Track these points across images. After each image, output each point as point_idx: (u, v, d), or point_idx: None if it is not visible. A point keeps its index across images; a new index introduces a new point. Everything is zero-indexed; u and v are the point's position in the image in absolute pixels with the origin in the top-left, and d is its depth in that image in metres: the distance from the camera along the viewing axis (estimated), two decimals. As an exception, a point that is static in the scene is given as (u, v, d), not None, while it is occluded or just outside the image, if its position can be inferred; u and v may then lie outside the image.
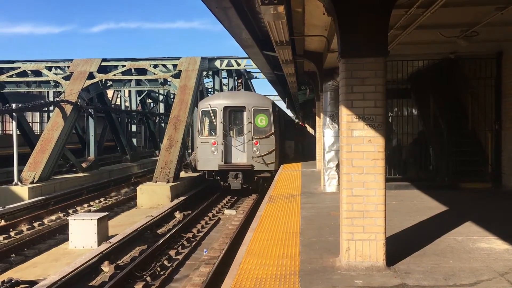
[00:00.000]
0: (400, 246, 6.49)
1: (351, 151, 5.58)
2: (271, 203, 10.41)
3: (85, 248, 11.75)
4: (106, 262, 10.52)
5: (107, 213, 12.78)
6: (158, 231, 14.25)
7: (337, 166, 11.76)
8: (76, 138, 30.36)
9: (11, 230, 14.30)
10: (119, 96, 38.88)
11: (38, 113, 46.05)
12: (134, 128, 31.52)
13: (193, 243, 12.91)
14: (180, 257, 11.55)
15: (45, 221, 15.92)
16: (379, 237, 5.55)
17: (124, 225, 14.70)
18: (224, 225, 15.28)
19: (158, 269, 10.40)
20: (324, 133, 11.84)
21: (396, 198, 10.52)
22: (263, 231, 7.72)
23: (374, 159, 5.55)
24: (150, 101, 43.44)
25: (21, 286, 8.53)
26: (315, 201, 10.60)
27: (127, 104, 34.40)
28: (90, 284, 9.60)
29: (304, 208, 9.68)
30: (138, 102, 33.33)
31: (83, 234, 11.82)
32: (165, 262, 10.97)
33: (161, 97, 38.74)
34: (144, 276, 9.82)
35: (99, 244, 11.73)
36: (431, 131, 12.80)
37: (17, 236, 13.76)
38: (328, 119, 11.73)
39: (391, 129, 14.32)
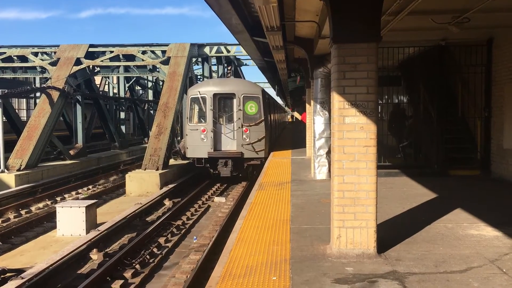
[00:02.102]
0: (391, 233, 6.48)
1: (342, 138, 5.52)
2: (261, 190, 10.37)
3: (73, 236, 11.64)
4: (94, 250, 10.44)
5: (95, 200, 12.65)
6: (147, 219, 14.16)
7: (327, 153, 11.74)
8: (64, 125, 29.99)
9: (-3, 217, 14.12)
10: (107, 83, 38.39)
11: (25, 99, 45.42)
12: (122, 115, 31.15)
13: (183, 231, 12.84)
14: (169, 244, 11.48)
15: (33, 208, 15.74)
16: (370, 224, 5.52)
17: (113, 212, 14.58)
18: (214, 213, 15.23)
19: (148, 256, 10.33)
20: (314, 120, 11.78)
21: (386, 185, 10.54)
22: (254, 218, 7.67)
23: (366, 146, 5.50)
24: (139, 88, 43.03)
25: (7, 274, 8.42)
26: (305, 188, 10.57)
27: (116, 91, 33.94)
28: (79, 272, 9.51)
29: (295, 195, 9.65)
30: (126, 89, 32.95)
31: (71, 222, 11.69)
32: (155, 250, 10.90)
33: (149, 84, 38.36)
34: (133, 264, 9.76)
35: (87, 232, 11.62)
36: (421, 118, 12.80)
37: (4, 224, 13.59)
38: (318, 106, 11.66)
39: (381, 117, 14.32)
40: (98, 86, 41.11)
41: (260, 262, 5.42)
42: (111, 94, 36.73)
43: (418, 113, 12.83)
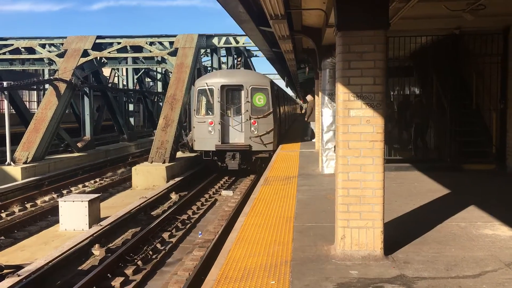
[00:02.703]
0: (399, 232, 6.12)
1: (347, 132, 5.16)
2: (266, 185, 10.04)
3: (76, 231, 11.44)
4: (96, 246, 10.22)
5: (98, 194, 12.43)
6: (152, 213, 13.95)
7: (335, 146, 11.35)
8: (74, 118, 29.89)
9: (2, 211, 13.98)
10: (116, 75, 38.25)
11: (35, 92, 45.52)
12: (131, 107, 30.94)
13: (188, 225, 12.60)
14: (173, 240, 11.24)
15: (38, 202, 15.61)
16: (377, 224, 5.17)
17: (117, 206, 14.38)
18: (221, 207, 14.97)
19: (150, 252, 10.09)
20: (322, 112, 11.40)
21: (396, 180, 10.14)
22: (256, 215, 7.36)
23: (372, 140, 5.14)
24: (149, 80, 42.83)
25: (5, 271, 8.22)
26: (312, 183, 10.22)
27: (125, 83, 33.74)
28: (80, 268, 9.31)
29: (300, 190, 9.31)
30: (135, 80, 32.74)
31: (73, 216, 11.50)
32: (158, 245, 10.66)
33: (159, 76, 38.12)
34: (135, 260, 9.52)
35: (90, 226, 11.41)
36: (434, 110, 12.34)
37: (8, 218, 13.46)
38: (326, 98, 11.27)
39: (392, 109, 13.89)
40: (108, 78, 41.03)
41: (259, 264, 5.10)
42: (120, 86, 36.61)
43: (431, 105, 12.37)
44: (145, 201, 13.92)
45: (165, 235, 11.40)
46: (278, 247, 5.69)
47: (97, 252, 10.05)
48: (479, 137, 11.84)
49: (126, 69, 31.13)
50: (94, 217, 11.78)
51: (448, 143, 11.57)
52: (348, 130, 5.16)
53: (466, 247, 5.60)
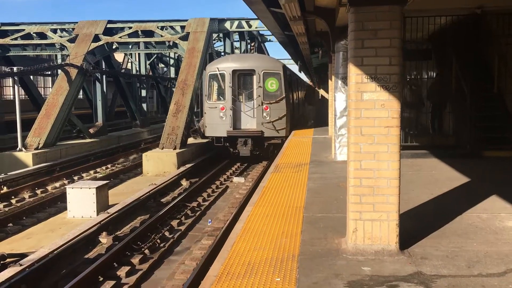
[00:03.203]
0: (416, 224, 5.74)
1: (360, 117, 4.76)
2: (277, 172, 9.69)
3: (84, 218, 11.27)
4: (104, 233, 10.03)
5: (107, 181, 12.22)
6: (162, 200, 13.73)
7: (349, 132, 10.94)
8: (87, 104, 29.81)
9: (12, 197, 13.90)
10: (130, 61, 38.00)
11: (50, 77, 45.58)
12: (144, 93, 30.70)
13: (198, 213, 12.37)
14: (182, 228, 11.01)
15: (49, 188, 15.52)
16: (392, 216, 4.79)
17: (128, 193, 14.19)
18: (232, 194, 14.70)
19: (158, 241, 9.86)
20: (336, 97, 10.96)
21: (413, 167, 9.70)
22: (264, 205, 7.02)
23: (388, 126, 4.73)
24: (163, 65, 42.51)
25: (7, 260, 8.05)
26: (324, 170, 9.84)
27: (142, 69, 33.44)
28: (86, 256, 9.12)
29: (312, 178, 8.94)
30: (147, 66, 32.45)
31: (81, 203, 11.32)
32: (166, 233, 10.43)
33: (172, 62, 37.80)
34: (143, 249, 9.30)
35: (98, 213, 11.22)
36: (453, 94, 11.80)
37: (18, 204, 13.37)
38: (339, 82, 10.82)
39: (410, 93, 13.35)
40: (121, 64, 40.86)
41: (265, 259, 4.78)
42: (134, 72, 36.40)
43: (450, 89, 11.82)
44: (155, 188, 13.70)
45: (174, 223, 11.17)
46: (286, 239, 5.36)
47: (104, 240, 9.86)
48: (500, 122, 11.28)
49: (138, 54, 30.83)
50: (102, 204, 11.59)
51: (468, 128, 11.04)
52: (361, 115, 4.76)
53: (489, 241, 5.20)
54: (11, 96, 39.05)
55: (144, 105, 30.72)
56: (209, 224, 11.39)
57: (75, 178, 17.22)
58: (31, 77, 40.28)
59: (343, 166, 10.48)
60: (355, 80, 4.76)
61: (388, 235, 4.80)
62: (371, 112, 4.74)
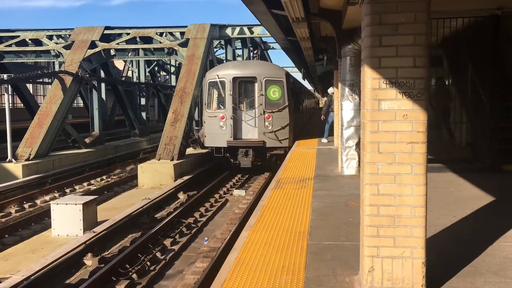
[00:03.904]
0: (441, 256, 4.83)
1: (377, 131, 3.88)
2: (278, 188, 8.80)
3: (69, 237, 10.41)
4: (89, 255, 9.16)
5: (95, 196, 11.35)
6: (156, 215, 12.86)
7: (357, 144, 10.05)
8: (86, 112, 28.99)
9: (-3, 212, 13.08)
10: (129, 68, 37.30)
11: (50, 86, 44.91)
12: (143, 101, 29.86)
13: (194, 230, 11.50)
14: (176, 247, 10.14)
15: (38, 201, 14.67)
16: (417, 253, 3.89)
17: (120, 208, 13.33)
18: (231, 208, 13.83)
19: (148, 263, 8.99)
20: (342, 106, 10.08)
21: (428, 184, 8.77)
22: (263, 229, 6.13)
23: (411, 142, 3.86)
24: (164, 73, 41.77)
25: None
26: (330, 186, 8.93)
27: (142, 76, 32.63)
28: (67, 281, 8.26)
29: (317, 196, 8.04)
30: (147, 73, 31.68)
31: (66, 220, 10.46)
32: (158, 254, 9.57)
33: (173, 69, 37.05)
34: (130, 273, 8.42)
35: (84, 231, 10.36)
36: (469, 103, 10.90)
37: (3, 220, 12.53)
38: (347, 89, 9.95)
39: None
40: (122, 71, 40.18)
41: (260, 304, 3.88)
42: (134, 80, 35.66)
43: (466, 98, 10.92)
44: (148, 202, 12.83)
45: (167, 242, 10.30)
46: (287, 277, 4.46)
47: (90, 262, 9.00)
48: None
49: (138, 61, 30.07)
50: (90, 222, 10.72)
51: (487, 140, 10.12)
52: (378, 128, 3.88)
53: (532, 280, 4.29)
54: (11, 105, 38.50)
55: (144, 114, 29.84)
56: (205, 243, 10.53)
57: (67, 190, 16.39)
58: (30, 85, 39.76)
59: (351, 182, 9.62)
60: (371, 86, 3.89)
61: (413, 276, 3.90)
62: (391, 124, 3.87)
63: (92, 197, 11.04)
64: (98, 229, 9.98)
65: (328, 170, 10.83)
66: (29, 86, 40.11)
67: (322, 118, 18.21)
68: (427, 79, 3.82)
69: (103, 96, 31.87)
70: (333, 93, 16.54)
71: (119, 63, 39.37)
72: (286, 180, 9.71)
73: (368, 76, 3.90)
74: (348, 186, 8.84)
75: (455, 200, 7.53)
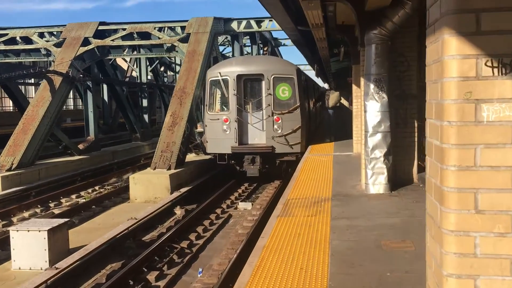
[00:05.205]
0: None
1: (473, 168, 1.85)
2: (285, 216, 6.77)
3: (32, 270, 8.51)
4: (48, 299, 7.26)
5: (65, 220, 9.43)
6: (145, 237, 10.95)
7: (386, 155, 7.99)
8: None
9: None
10: (130, 67, 35.48)
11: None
12: (145, 102, 28.00)
13: (187, 257, 9.58)
14: (162, 283, 8.22)
15: (15, 219, 12.84)
16: None
17: (103, 228, 11.42)
18: (234, 226, 11.91)
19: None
20: (366, 106, 8.02)
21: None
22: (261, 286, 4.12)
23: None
24: (172, 73, 39.94)
25: None
26: (354, 212, 6.87)
27: (143, 76, 30.81)
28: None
29: (337, 229, 5.99)
30: (148, 72, 29.81)
31: (29, 250, 8.56)
32: (137, 295, 7.65)
33: (178, 68, 35.16)
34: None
35: (51, 263, 8.45)
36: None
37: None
38: (372, 85, 7.89)
39: None
40: (126, 71, 38.39)
41: None
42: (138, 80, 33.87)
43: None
44: (135, 223, 10.88)
45: (151, 276, 8.38)
46: None
47: (47, 310, 7.09)
48: None
49: (139, 60, 28.20)
50: (58, 251, 8.81)
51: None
52: (474, 161, 1.86)
53: None
54: (10, 108, 36.99)
55: (146, 116, 27.97)
56: (199, 275, 8.61)
57: (51, 205, 14.56)
58: (22, 87, 38.24)
59: (379, 204, 7.38)
60: (459, 72, 1.86)
61: None
62: (503, 153, 1.82)
63: (61, 221, 9.11)
64: (63, 263, 8.03)
65: (349, 186, 8.75)
66: (22, 88, 38.67)
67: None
68: None
69: (105, 97, 30.27)
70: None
71: (123, 62, 37.55)
72: (296, 201, 7.66)
73: (453, 51, 1.86)
74: (377, 212, 6.78)
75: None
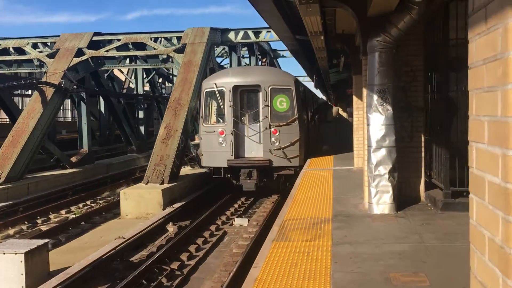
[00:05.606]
0: None
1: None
2: (282, 240, 6.13)
3: (8, 296, 7.87)
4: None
5: (46, 240, 8.77)
6: (134, 258, 10.30)
7: (391, 172, 7.37)
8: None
9: None
10: (127, 79, 35.01)
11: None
12: (141, 114, 27.43)
13: (177, 280, 8.94)
14: (147, 312, 7.57)
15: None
16: None
17: (90, 248, 10.79)
18: (229, 244, 11.28)
19: None
20: (370, 119, 7.42)
21: None
22: None
23: None
24: (169, 84, 39.45)
25: None
26: (357, 236, 6.23)
27: (140, 87, 30.29)
28: None
29: (339, 258, 5.35)
30: (144, 83, 29.29)
31: (4, 275, 7.91)
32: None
33: (175, 79, 34.69)
34: None
35: (30, 290, 7.81)
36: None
37: None
38: (375, 97, 7.30)
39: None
40: (123, 83, 37.91)
41: None
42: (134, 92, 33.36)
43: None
44: (122, 243, 10.23)
45: (136, 304, 7.74)
46: None
47: None
48: None
49: (135, 71, 27.70)
50: (37, 275, 8.16)
51: None
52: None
53: None
54: (6, 120, 36.43)
55: (142, 128, 27.38)
56: (189, 302, 7.95)
57: (39, 221, 13.91)
58: (21, 98, 37.71)
59: (384, 227, 6.56)
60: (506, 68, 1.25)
61: None
62: None
63: (40, 242, 8.46)
64: (46, 286, 7.39)
65: (351, 205, 8.11)
66: (19, 100, 38.19)
67: None
68: None
69: (102, 108, 29.72)
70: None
71: (120, 74, 37.10)
72: (294, 223, 7.03)
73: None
74: (383, 236, 6.14)
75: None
